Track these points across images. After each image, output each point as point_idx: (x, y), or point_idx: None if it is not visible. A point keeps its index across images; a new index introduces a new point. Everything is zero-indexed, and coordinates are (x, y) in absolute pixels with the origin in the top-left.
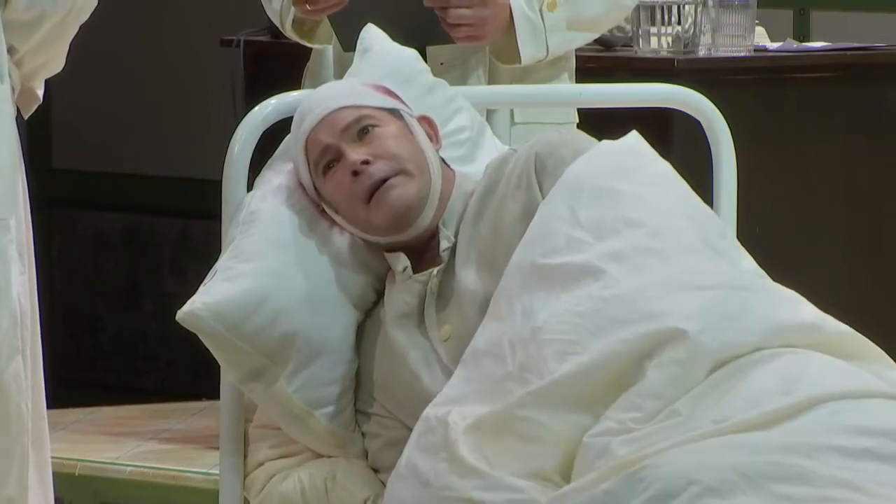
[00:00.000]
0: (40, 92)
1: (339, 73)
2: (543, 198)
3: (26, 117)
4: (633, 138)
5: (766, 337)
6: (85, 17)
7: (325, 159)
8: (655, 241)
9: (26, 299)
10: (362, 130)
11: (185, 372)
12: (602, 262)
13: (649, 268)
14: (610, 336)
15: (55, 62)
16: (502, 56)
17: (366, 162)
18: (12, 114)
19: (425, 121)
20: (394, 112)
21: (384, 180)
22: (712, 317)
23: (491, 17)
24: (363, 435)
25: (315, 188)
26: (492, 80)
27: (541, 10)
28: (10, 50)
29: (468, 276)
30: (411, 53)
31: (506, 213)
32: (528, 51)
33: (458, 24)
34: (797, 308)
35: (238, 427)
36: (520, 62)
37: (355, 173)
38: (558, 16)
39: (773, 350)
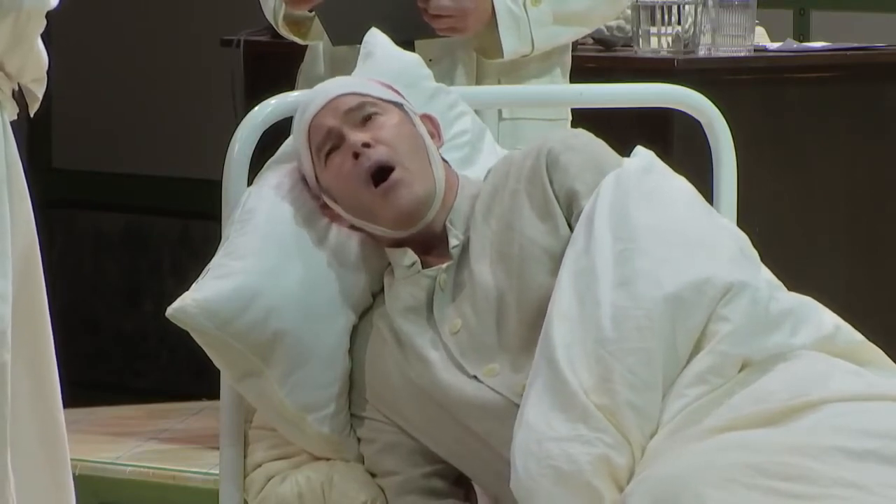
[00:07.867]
0: (38, 92)
1: (331, 68)
2: (553, 191)
3: (32, 115)
4: (649, 157)
5: (790, 345)
6: (39, 19)
7: (327, 144)
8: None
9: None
10: (366, 117)
11: (185, 372)
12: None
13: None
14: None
15: (31, 63)
16: (487, 51)
17: (367, 145)
18: None
19: (427, 119)
20: (397, 105)
21: (383, 166)
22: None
23: (472, 10)
24: (358, 440)
25: (316, 178)
26: (480, 75)
27: (524, 4)
28: None
29: (483, 270)
30: (414, 59)
31: (517, 205)
32: (511, 45)
33: (438, 15)
34: (821, 318)
35: (238, 427)
36: (503, 56)
37: (356, 155)
38: (543, 10)
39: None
